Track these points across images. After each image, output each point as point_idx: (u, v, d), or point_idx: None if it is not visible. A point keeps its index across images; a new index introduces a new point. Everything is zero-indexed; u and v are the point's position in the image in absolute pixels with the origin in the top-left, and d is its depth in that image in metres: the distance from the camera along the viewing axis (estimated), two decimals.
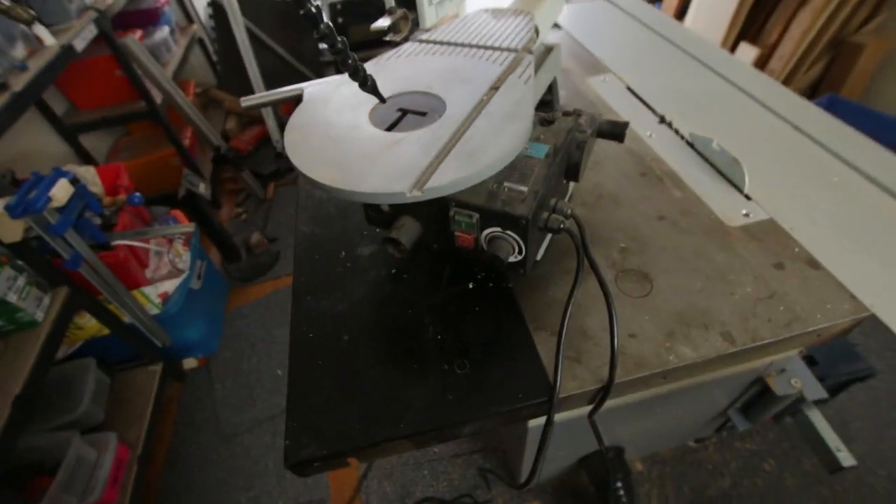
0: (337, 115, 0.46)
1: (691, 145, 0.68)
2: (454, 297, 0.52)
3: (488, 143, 0.40)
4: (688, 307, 0.48)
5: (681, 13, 2.36)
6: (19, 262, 0.99)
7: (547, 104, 0.77)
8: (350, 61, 0.36)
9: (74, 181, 0.99)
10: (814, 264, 0.51)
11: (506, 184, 0.44)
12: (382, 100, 0.41)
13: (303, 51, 2.26)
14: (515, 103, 0.44)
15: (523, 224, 0.42)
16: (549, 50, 0.70)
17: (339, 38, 0.35)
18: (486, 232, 0.45)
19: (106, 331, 1.22)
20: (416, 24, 0.45)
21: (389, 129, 0.44)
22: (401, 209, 0.48)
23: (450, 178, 0.37)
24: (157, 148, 1.87)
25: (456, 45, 0.55)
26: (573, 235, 0.44)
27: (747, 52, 1.97)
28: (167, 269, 1.36)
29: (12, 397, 0.89)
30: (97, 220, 1.09)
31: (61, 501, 1.00)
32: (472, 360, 0.47)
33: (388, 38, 0.41)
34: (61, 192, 0.92)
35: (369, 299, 0.55)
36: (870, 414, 1.23)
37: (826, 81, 1.90)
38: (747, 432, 1.21)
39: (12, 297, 0.94)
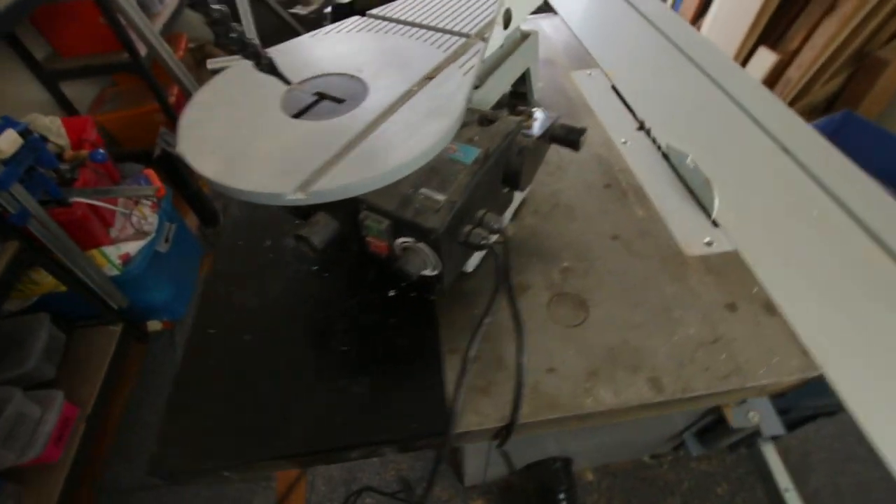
0: (247, 94, 0.41)
1: (666, 158, 0.62)
2: (372, 304, 0.48)
3: (399, 143, 0.34)
4: (621, 344, 0.44)
5: (701, 12, 2.24)
6: None
7: (521, 96, 0.71)
8: (233, 35, 0.31)
9: (26, 133, 0.94)
10: (770, 309, 0.46)
11: (422, 190, 0.38)
12: (286, 82, 0.36)
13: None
14: (446, 97, 0.38)
15: (433, 238, 0.37)
16: (524, 37, 0.64)
17: (216, 7, 0.29)
18: (398, 241, 0.40)
19: (63, 287, 1.19)
20: None
21: (297, 115, 0.38)
22: (317, 205, 0.43)
23: (343, 181, 0.32)
24: (141, 102, 1.81)
25: (406, 23, 0.49)
26: (496, 255, 0.39)
27: (765, 57, 1.87)
28: (133, 230, 1.32)
29: None
30: (53, 175, 1.04)
31: None
32: (373, 379, 0.43)
33: (294, 11, 0.35)
34: (6, 143, 0.87)
35: (284, 297, 0.50)
36: (834, 447, 1.19)
37: (844, 96, 1.80)
38: (704, 454, 1.18)
39: None
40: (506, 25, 0.59)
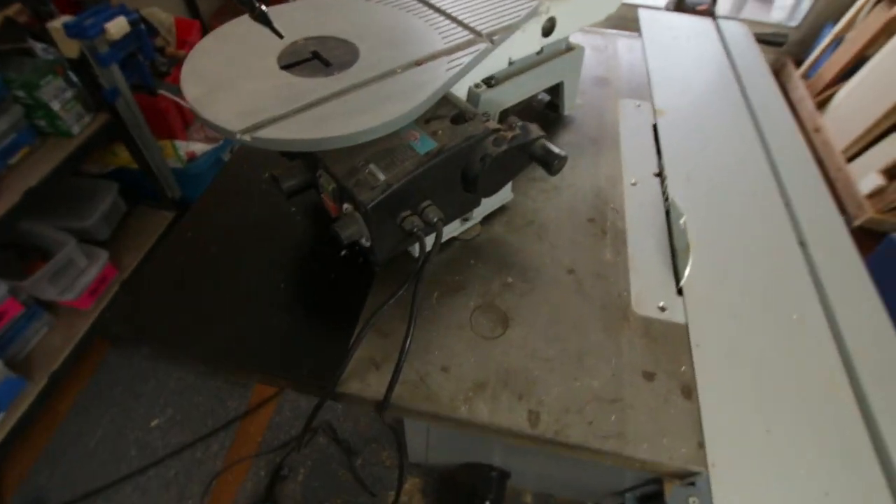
0: (254, 40, 0.44)
1: (667, 214, 0.59)
2: (323, 256, 0.52)
3: (351, 116, 0.37)
4: (521, 370, 0.44)
5: (846, 74, 1.99)
6: (73, 79, 1.10)
7: (554, 106, 0.71)
8: None
9: (135, 22, 1.07)
10: (688, 393, 0.44)
11: (371, 165, 0.41)
12: (279, 35, 0.39)
13: None
14: (417, 86, 0.40)
15: (363, 211, 0.39)
16: (568, 49, 0.63)
17: None
18: (344, 205, 0.43)
19: (135, 165, 1.35)
20: None
21: (287, 67, 0.42)
22: (299, 154, 0.47)
23: (284, 135, 0.35)
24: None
25: (431, 6, 0.50)
26: (422, 247, 0.41)
27: (892, 147, 1.64)
28: (206, 134, 1.46)
29: (24, 189, 1.02)
30: (148, 65, 1.18)
31: (42, 287, 1.17)
32: (294, 319, 0.47)
33: None
34: (115, 28, 1.00)
35: (256, 225, 0.55)
36: None
37: None
38: None
39: (56, 105, 1.06)
40: (546, 33, 0.58)
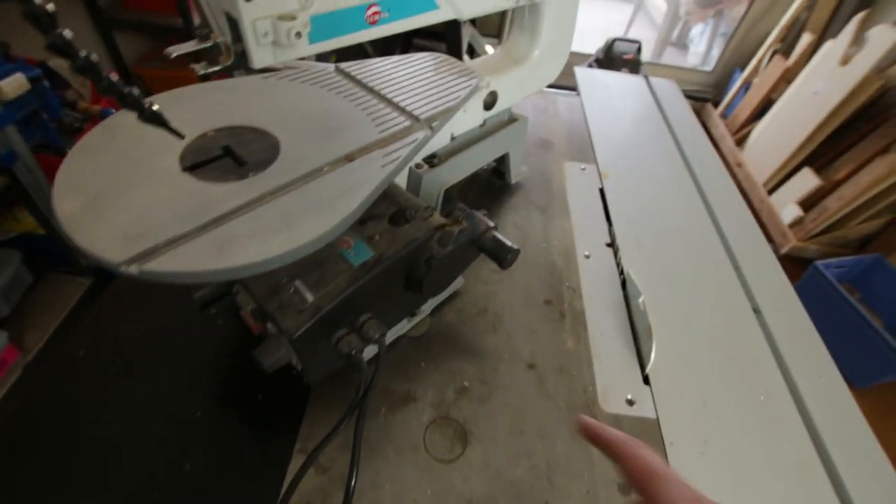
0: (154, 130, 0.38)
1: (623, 286, 0.57)
2: (247, 372, 0.44)
3: (264, 237, 0.31)
4: (486, 500, 0.38)
5: (758, 114, 2.18)
6: None
7: (500, 174, 0.68)
8: (105, 82, 0.28)
9: (37, 78, 0.95)
10: None
11: (297, 283, 0.35)
12: (178, 135, 0.33)
13: None
14: (347, 189, 0.34)
15: (288, 340, 0.33)
16: (512, 120, 0.61)
17: (81, 55, 0.26)
18: (268, 323, 0.36)
19: (41, 230, 1.20)
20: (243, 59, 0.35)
21: (191, 168, 0.35)
22: None
23: (183, 265, 0.29)
24: (185, 68, 1.85)
25: (364, 86, 0.46)
26: (361, 371, 0.35)
27: (808, 178, 1.79)
28: None
29: None
30: (54, 125, 1.06)
31: None
32: (208, 461, 0.38)
33: (200, 72, 0.33)
34: (11, 86, 0.88)
35: (169, 330, 0.47)
36: None
37: (880, 240, 1.70)
38: None
39: None
40: (488, 107, 0.56)
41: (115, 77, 0.28)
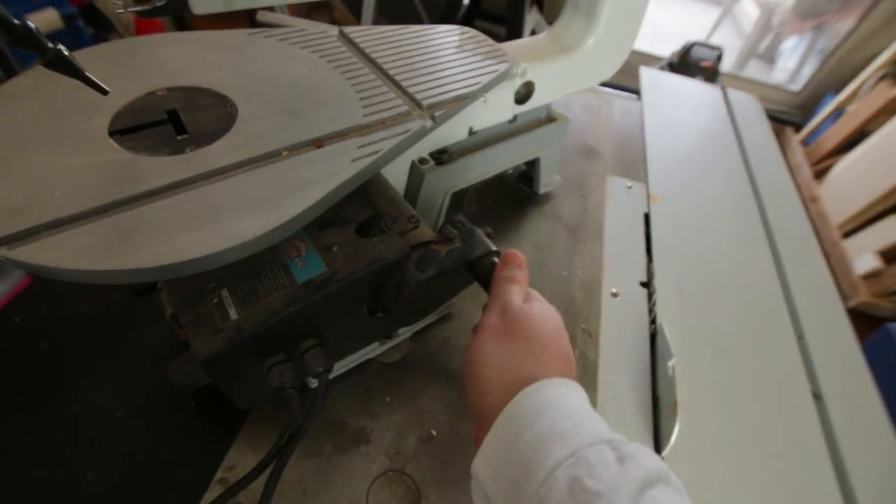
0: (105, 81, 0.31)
1: (652, 338, 0.47)
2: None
3: (176, 232, 0.24)
4: None
5: (845, 147, 1.93)
6: None
7: (529, 180, 0.59)
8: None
9: (72, 16, 0.93)
10: None
11: (224, 291, 0.28)
12: (101, 90, 0.26)
13: None
14: (303, 183, 0.27)
15: (198, 364, 0.26)
16: (549, 120, 0.51)
17: None
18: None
19: None
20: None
21: (119, 132, 0.28)
22: None
23: (60, 257, 0.22)
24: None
25: (366, 57, 0.38)
26: (290, 412, 0.28)
27: (894, 227, 1.57)
28: None
29: None
30: None
31: None
32: (122, 469, 0.33)
33: (121, 10, 0.26)
34: (42, 21, 0.86)
35: (110, 311, 0.42)
36: None
37: None
38: None
39: None
40: (521, 100, 0.46)
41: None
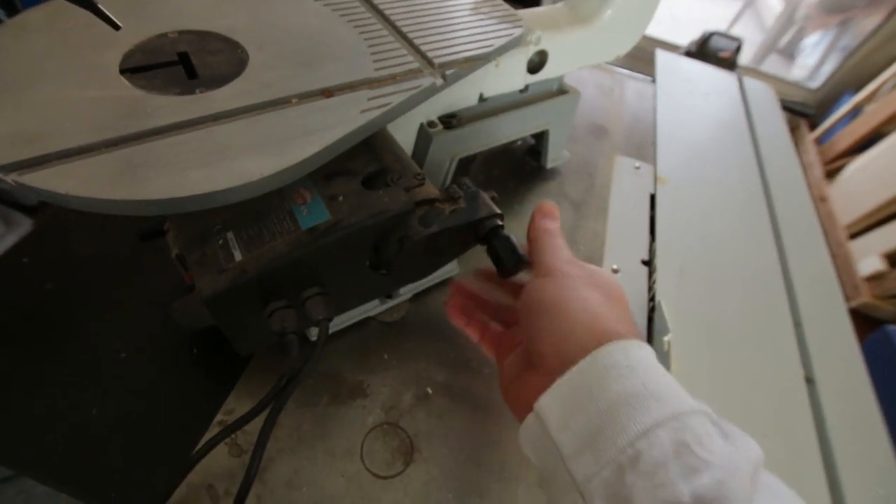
0: (118, 20, 0.31)
1: (650, 317, 0.47)
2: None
3: (182, 169, 0.24)
4: None
5: (860, 148, 1.90)
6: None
7: (536, 154, 0.58)
8: None
9: None
10: None
11: (229, 234, 0.28)
12: (113, 24, 0.26)
13: None
14: (310, 130, 0.27)
15: (202, 301, 0.26)
16: (560, 92, 0.51)
17: None
18: None
19: None
20: None
21: (130, 70, 0.28)
22: None
23: (69, 184, 0.22)
24: None
25: (380, 14, 0.38)
26: (290, 356, 0.28)
27: None
28: None
29: None
30: None
31: None
32: (121, 410, 0.34)
33: None
34: None
35: (116, 255, 0.42)
36: None
37: None
38: None
39: None
40: (534, 69, 0.46)
41: None
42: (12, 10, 0.74)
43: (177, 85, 0.28)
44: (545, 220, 0.32)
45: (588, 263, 0.30)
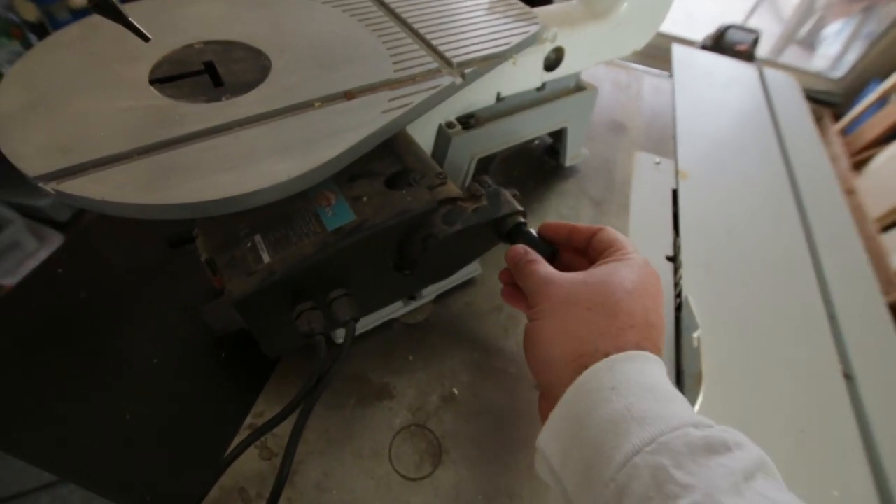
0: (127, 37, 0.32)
1: (678, 314, 0.46)
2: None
3: (211, 173, 0.24)
4: None
5: (889, 138, 1.84)
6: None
7: (555, 153, 0.58)
8: None
9: None
10: None
11: (257, 236, 0.28)
12: (143, 36, 0.27)
13: None
14: (334, 132, 0.27)
15: (232, 303, 0.27)
16: (577, 89, 0.50)
17: None
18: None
19: None
20: None
21: (159, 81, 0.29)
22: None
23: (104, 191, 0.23)
24: None
25: (397, 17, 0.38)
26: (318, 357, 0.29)
27: None
28: None
29: None
30: None
31: None
32: (154, 413, 0.34)
33: None
34: None
35: (147, 263, 0.43)
36: None
37: None
38: None
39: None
40: (551, 66, 0.46)
41: None
42: (43, 34, 0.77)
43: (204, 93, 0.29)
44: (513, 259, 0.31)
45: (606, 262, 0.28)
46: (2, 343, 0.38)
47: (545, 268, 0.29)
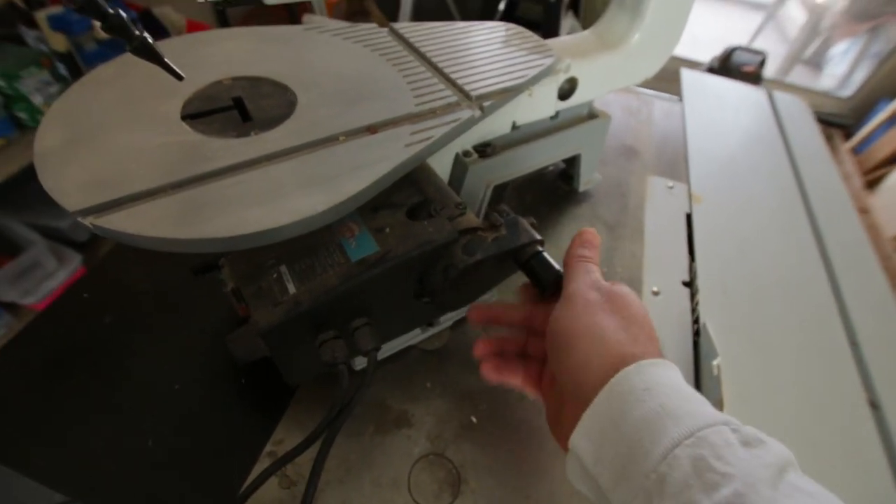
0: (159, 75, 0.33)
1: (696, 340, 0.46)
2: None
3: (242, 207, 0.25)
4: None
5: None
6: (64, 72, 1.04)
7: (568, 178, 0.59)
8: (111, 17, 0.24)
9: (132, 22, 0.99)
10: None
11: (283, 267, 0.29)
12: (177, 75, 0.28)
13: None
14: (359, 165, 0.28)
15: (259, 333, 0.27)
16: (590, 117, 0.51)
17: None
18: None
19: None
20: None
21: (191, 117, 0.30)
22: None
23: (140, 226, 0.24)
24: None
25: (416, 52, 0.39)
26: (340, 386, 0.29)
27: None
28: None
29: None
30: None
31: (2, 287, 1.08)
32: (176, 438, 0.34)
33: None
34: None
35: (171, 290, 0.44)
36: None
37: None
38: None
39: (37, 99, 0.99)
40: (564, 96, 0.47)
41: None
42: (72, 63, 0.81)
43: (233, 128, 0.30)
44: (580, 248, 0.32)
45: (617, 284, 0.30)
46: (29, 366, 0.38)
47: (597, 275, 0.30)
